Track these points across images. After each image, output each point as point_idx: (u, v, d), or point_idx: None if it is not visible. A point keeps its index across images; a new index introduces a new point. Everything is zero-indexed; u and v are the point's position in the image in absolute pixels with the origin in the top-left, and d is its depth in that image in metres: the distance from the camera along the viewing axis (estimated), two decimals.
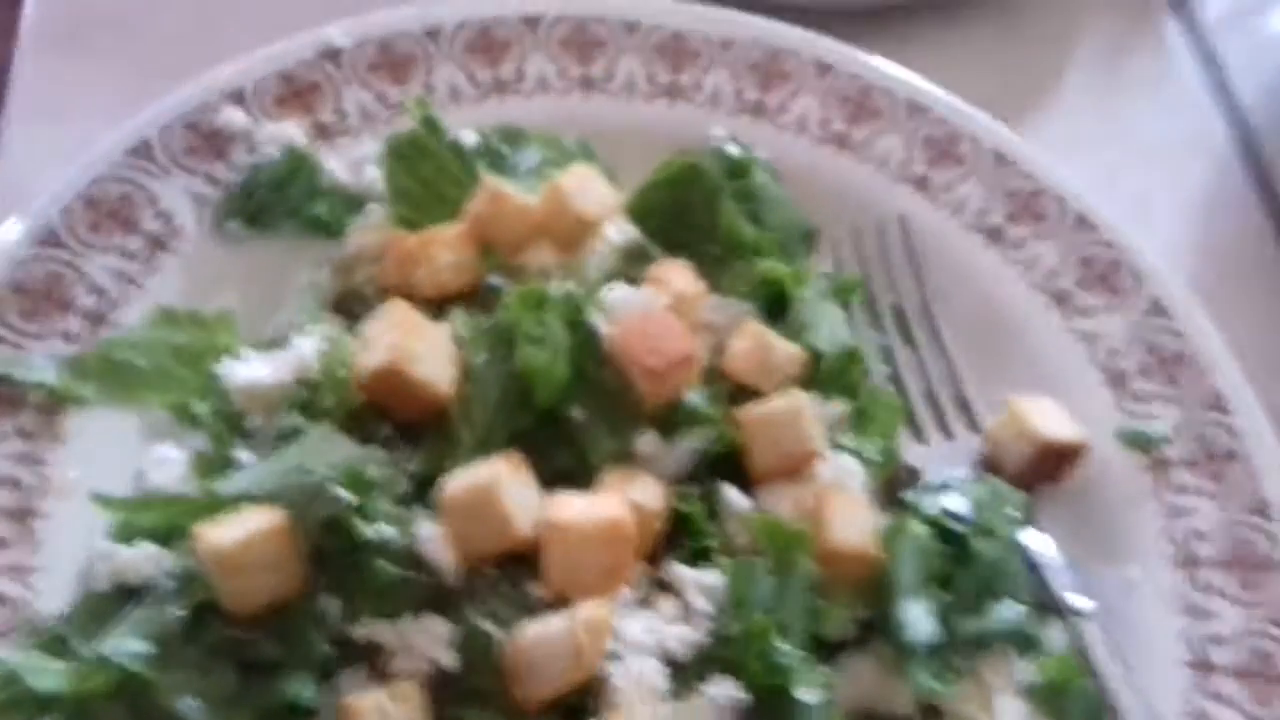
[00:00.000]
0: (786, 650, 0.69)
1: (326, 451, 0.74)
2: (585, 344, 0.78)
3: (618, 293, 0.81)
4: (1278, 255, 1.09)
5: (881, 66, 1.04)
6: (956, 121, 1.01)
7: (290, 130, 0.93)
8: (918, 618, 0.73)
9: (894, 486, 0.85)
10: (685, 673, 0.70)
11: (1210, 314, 0.95)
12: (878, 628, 0.76)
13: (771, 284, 0.86)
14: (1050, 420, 0.86)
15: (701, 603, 0.72)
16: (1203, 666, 0.79)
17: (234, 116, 0.92)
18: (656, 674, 0.69)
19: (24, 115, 1.03)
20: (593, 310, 0.79)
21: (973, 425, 0.90)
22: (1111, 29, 1.24)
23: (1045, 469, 0.86)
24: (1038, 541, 0.82)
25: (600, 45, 1.02)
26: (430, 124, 0.89)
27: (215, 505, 0.72)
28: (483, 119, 0.96)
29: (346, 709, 0.67)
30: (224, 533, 0.69)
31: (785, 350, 0.81)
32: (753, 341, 0.81)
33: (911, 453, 0.88)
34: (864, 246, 0.97)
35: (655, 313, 0.79)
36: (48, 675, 0.70)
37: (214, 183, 0.90)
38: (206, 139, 0.91)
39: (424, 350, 0.76)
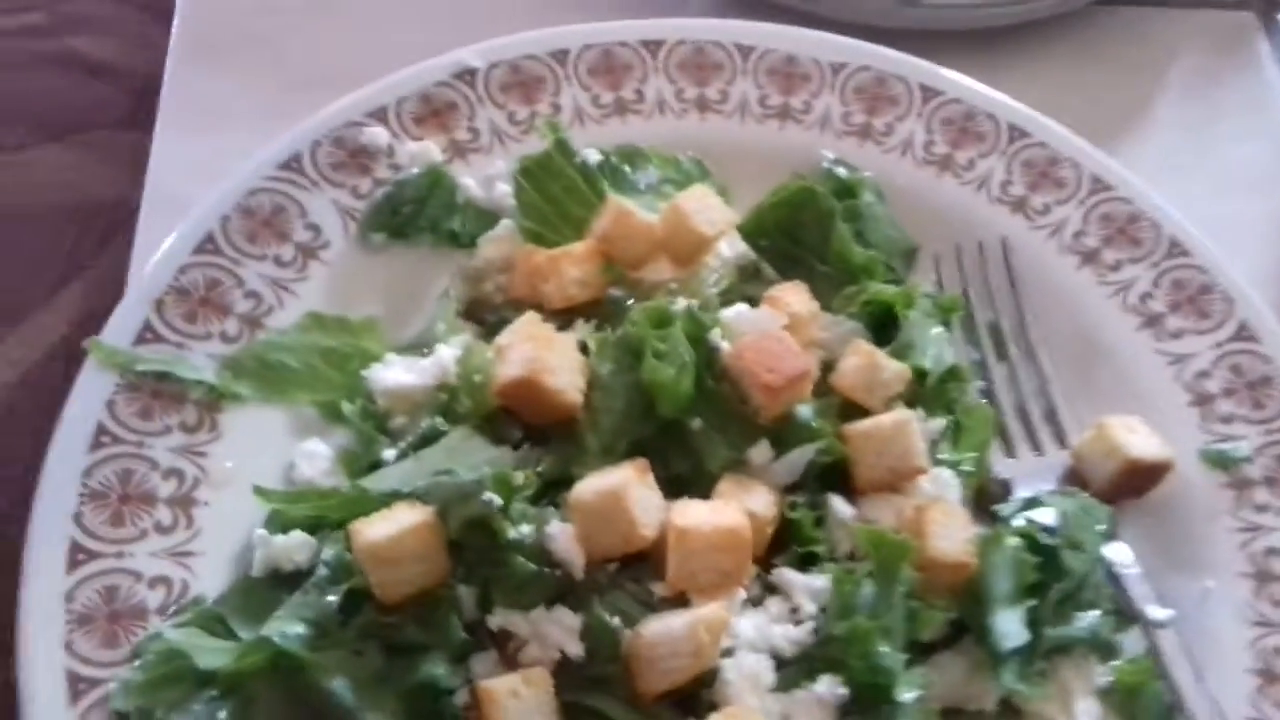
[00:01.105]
0: (887, 652, 0.74)
1: (467, 453, 0.81)
2: (706, 359, 0.84)
3: (737, 311, 0.87)
4: None
5: (984, 91, 1.08)
6: (1056, 146, 1.05)
7: (430, 148, 0.99)
8: (1009, 624, 0.78)
9: (984, 498, 0.90)
10: (792, 670, 0.76)
11: None
12: (968, 630, 0.81)
13: (880, 305, 0.91)
14: (1137, 439, 0.90)
15: (808, 605, 0.78)
16: (1269, 675, 0.83)
17: (377, 134, 0.99)
18: (766, 670, 0.75)
19: (173, 127, 1.09)
20: (713, 328, 0.85)
21: (1061, 441, 0.94)
22: (1204, 53, 1.27)
23: (1130, 485, 0.90)
24: (1120, 553, 0.87)
25: (716, 68, 1.07)
26: (561, 145, 0.96)
27: (366, 501, 0.79)
28: (605, 139, 1.02)
29: (485, 692, 0.73)
30: (378, 528, 0.75)
31: (893, 369, 0.86)
32: (862, 360, 0.86)
33: (1002, 465, 0.93)
34: (964, 265, 1.02)
35: (773, 332, 0.84)
36: (209, 653, 0.77)
37: (359, 196, 0.97)
38: (352, 155, 0.98)
39: (556, 362, 0.82)
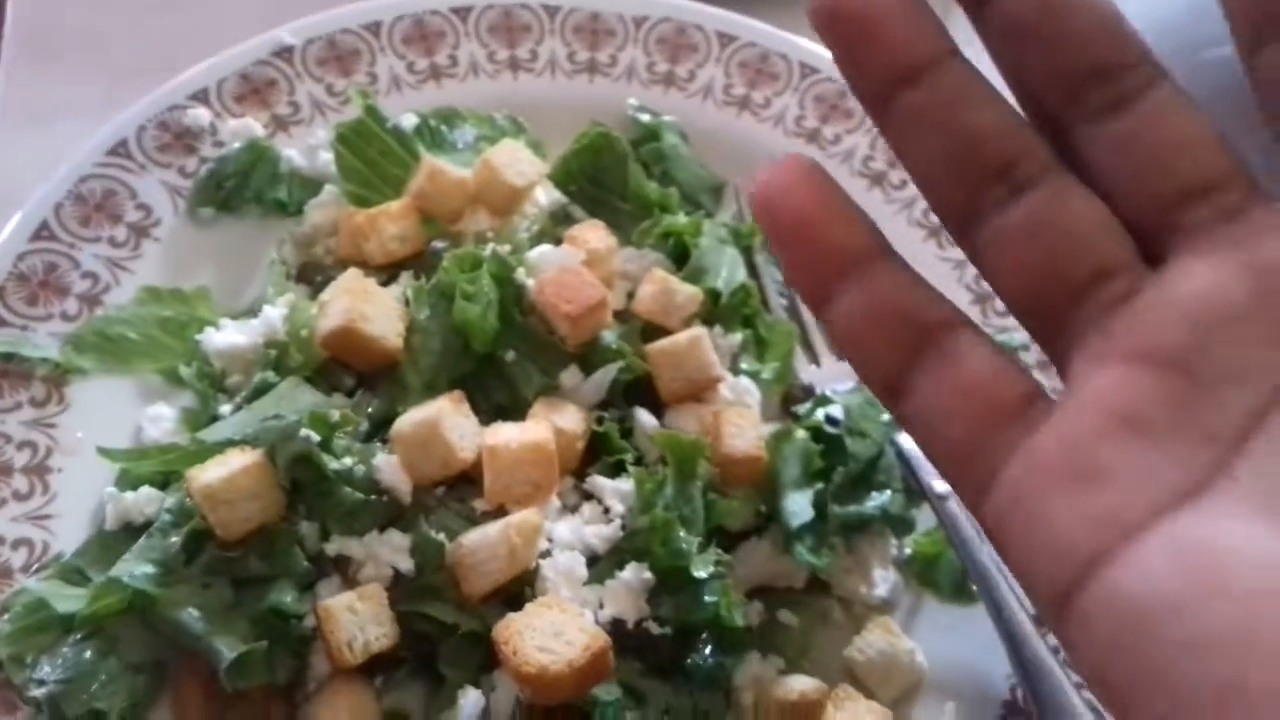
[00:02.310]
0: (685, 538, 0.82)
1: (295, 400, 0.87)
2: (513, 296, 0.91)
3: (540, 252, 0.94)
4: None
5: (776, 33, 1.16)
6: (842, 80, 1.13)
7: (250, 124, 1.05)
8: (797, 505, 0.87)
9: (791, 403, 0.99)
10: (604, 563, 0.84)
11: None
12: (773, 519, 0.90)
13: (675, 235, 0.99)
14: None
15: (617, 505, 0.86)
16: None
17: (200, 115, 1.04)
18: (579, 565, 0.83)
19: (9, 122, 1.13)
20: (519, 268, 0.93)
21: None
22: None
23: None
24: (908, 439, 0.95)
25: (525, 29, 1.14)
26: (373, 111, 1.02)
27: (203, 451, 0.85)
28: (423, 103, 1.08)
29: (324, 610, 0.80)
30: (212, 471, 0.81)
31: (685, 292, 0.94)
32: (657, 286, 0.94)
33: (807, 373, 1.01)
34: None
35: (571, 267, 0.92)
36: (68, 599, 0.82)
37: (186, 175, 1.03)
38: (177, 136, 1.04)
39: (374, 311, 0.89)
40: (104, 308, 0.96)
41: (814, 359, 1.02)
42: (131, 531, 0.86)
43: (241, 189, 1.02)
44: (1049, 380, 0.50)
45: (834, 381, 1.00)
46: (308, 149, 1.06)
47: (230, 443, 0.84)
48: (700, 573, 0.81)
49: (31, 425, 0.91)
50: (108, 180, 1.01)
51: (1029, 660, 0.85)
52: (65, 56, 1.18)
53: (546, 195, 1.04)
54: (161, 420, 0.93)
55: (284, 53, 1.09)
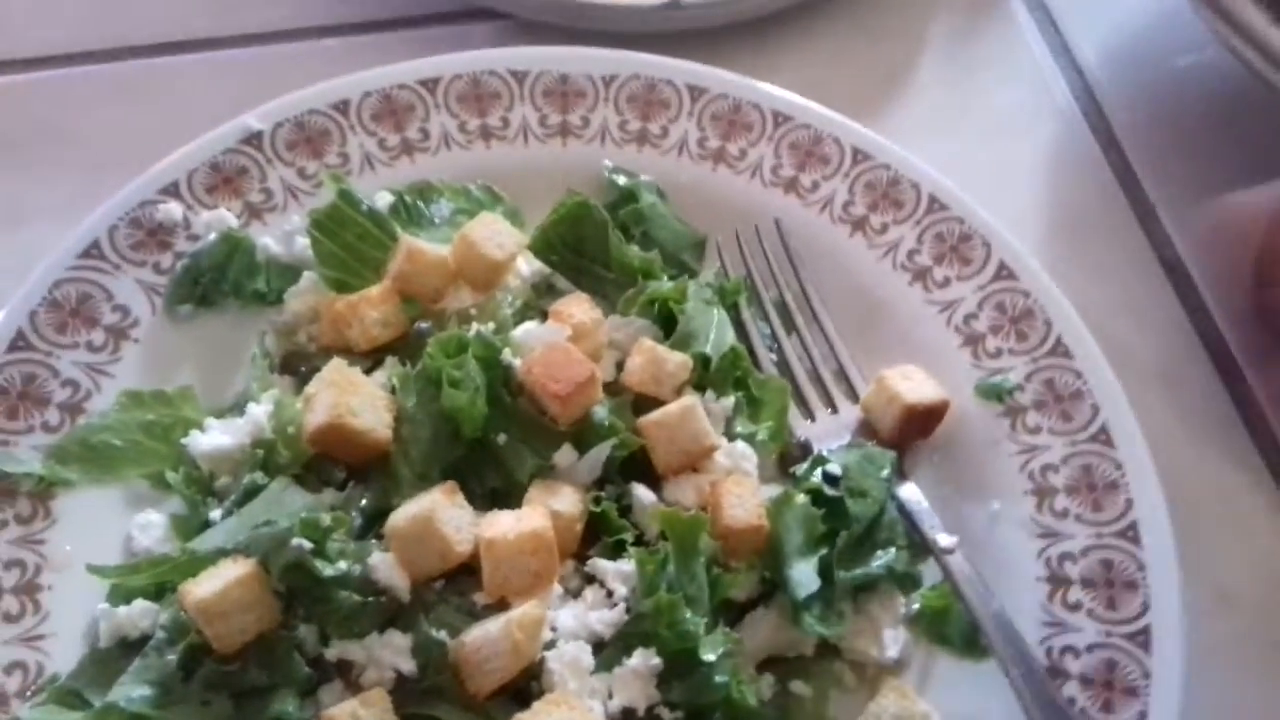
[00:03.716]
0: (691, 619, 0.81)
1: (285, 503, 0.86)
2: (501, 378, 0.90)
3: (525, 330, 0.93)
4: (1121, 200, 1.21)
5: (747, 83, 1.15)
6: (818, 125, 1.12)
7: (224, 214, 1.04)
8: (802, 574, 0.86)
9: (789, 462, 0.98)
10: (610, 650, 0.83)
11: (1065, 263, 1.08)
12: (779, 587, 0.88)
13: (661, 302, 0.98)
14: (912, 385, 0.97)
15: (620, 588, 0.84)
16: (1057, 581, 0.91)
17: (171, 209, 1.03)
18: (585, 654, 0.82)
19: None
20: (505, 348, 0.91)
21: (854, 397, 1.02)
22: (961, 14, 1.35)
23: (914, 428, 0.98)
24: (910, 492, 0.95)
25: (495, 97, 1.13)
26: (346, 196, 1.00)
27: (195, 562, 0.83)
28: (396, 179, 1.08)
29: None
30: (205, 585, 0.80)
31: (675, 360, 0.93)
32: (646, 356, 0.93)
33: (802, 429, 1.00)
34: (744, 249, 1.09)
35: (558, 344, 0.90)
36: None
37: (161, 271, 1.02)
38: (150, 233, 1.03)
39: (360, 404, 0.88)
40: (86, 415, 0.95)
41: (808, 413, 1.01)
42: (127, 647, 0.85)
43: (219, 282, 1.01)
44: None
45: (830, 438, 0.99)
46: (283, 235, 1.04)
47: (222, 552, 0.83)
48: (709, 655, 0.80)
49: (19, 543, 0.90)
50: (82, 283, 1.00)
51: (1044, 711, 0.83)
52: (31, 156, 1.17)
53: (528, 265, 1.03)
54: (151, 528, 0.91)
55: (253, 139, 1.08)
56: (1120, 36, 1.35)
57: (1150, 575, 0.91)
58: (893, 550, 0.91)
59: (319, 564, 0.81)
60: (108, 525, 0.92)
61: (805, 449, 0.98)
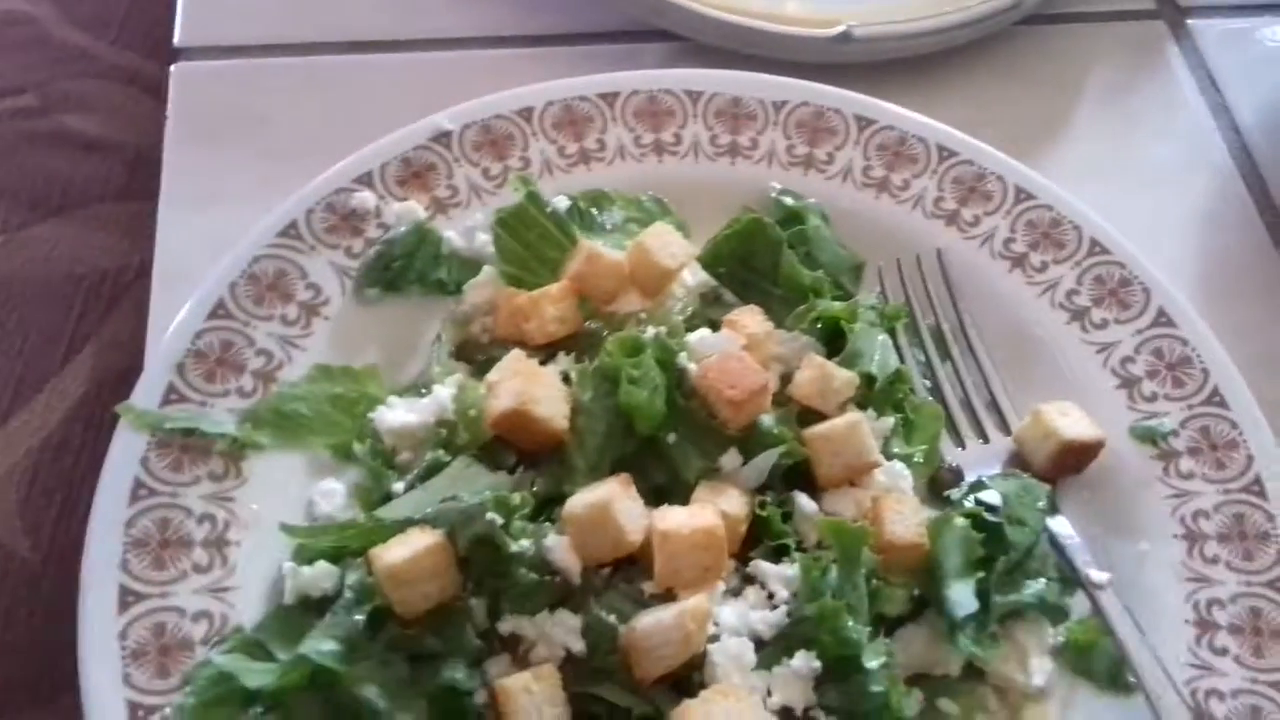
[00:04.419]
0: (854, 626, 0.84)
1: (469, 480, 0.90)
2: (676, 381, 0.94)
3: (700, 336, 0.97)
4: (1275, 260, 1.22)
5: (914, 117, 1.18)
6: (982, 162, 1.15)
7: (414, 206, 1.09)
8: (961, 594, 0.88)
9: (939, 486, 1.00)
10: (771, 649, 0.86)
11: (1214, 317, 1.09)
12: (929, 604, 0.91)
13: (828, 320, 1.01)
14: (1069, 421, 0.99)
15: (782, 591, 0.87)
16: (1205, 625, 0.93)
17: (365, 198, 1.09)
18: (747, 651, 0.85)
19: (174, 203, 1.18)
20: (681, 352, 0.95)
21: (1005, 428, 1.04)
22: (1119, 62, 1.37)
23: (1068, 463, 1.00)
24: (1062, 526, 0.97)
25: (669, 114, 1.17)
26: (534, 198, 1.05)
27: (382, 530, 0.88)
28: (572, 186, 1.12)
29: (502, 689, 0.82)
30: (395, 552, 0.84)
31: (842, 377, 0.95)
32: (815, 371, 0.96)
33: (952, 455, 1.02)
34: (905, 276, 1.12)
35: (733, 352, 0.94)
36: (254, 673, 0.85)
37: (352, 255, 1.07)
38: (344, 218, 1.08)
39: (542, 393, 0.92)
40: (278, 384, 1.00)
41: (959, 441, 1.04)
42: (308, 606, 0.90)
43: (406, 270, 1.06)
44: None
45: (982, 465, 1.01)
46: (466, 230, 1.09)
47: (410, 521, 0.87)
48: (871, 663, 0.83)
49: (211, 499, 0.95)
50: (279, 260, 1.05)
51: None
52: (225, 139, 1.23)
53: (693, 275, 1.07)
54: (333, 495, 0.96)
55: (442, 138, 1.13)
56: (1278, 95, 1.36)
57: None
58: (1043, 581, 0.93)
59: (505, 539, 0.85)
60: (292, 490, 0.96)
61: (956, 474, 1.01)
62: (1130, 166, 1.29)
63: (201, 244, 1.11)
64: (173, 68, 1.28)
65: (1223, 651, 0.92)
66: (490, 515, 0.84)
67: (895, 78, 1.29)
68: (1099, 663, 0.93)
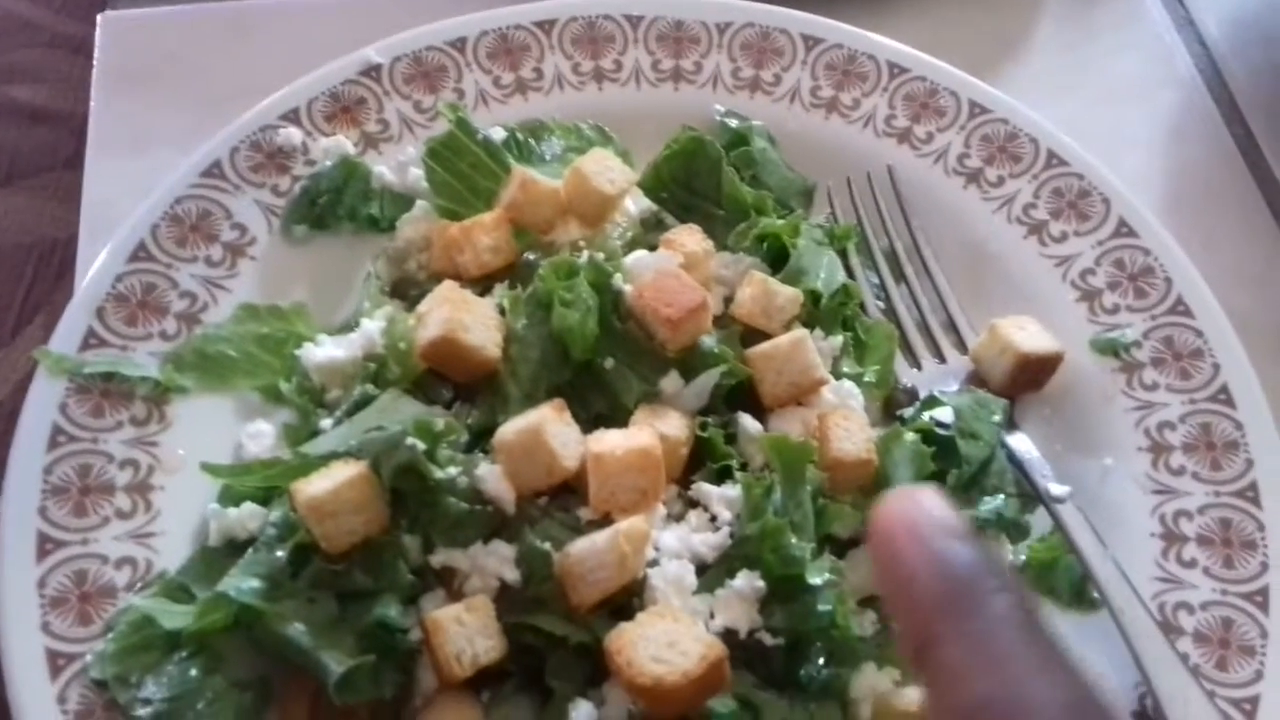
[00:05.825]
0: (797, 544, 0.80)
1: (397, 411, 0.86)
2: (611, 303, 0.90)
3: (636, 257, 0.93)
4: (1244, 172, 1.18)
5: (862, 34, 1.14)
6: (934, 78, 1.12)
7: (342, 141, 1.05)
8: None
9: (894, 407, 0.97)
10: (713, 572, 0.82)
11: (1182, 231, 1.06)
12: None
13: (771, 238, 0.97)
14: (1026, 335, 0.96)
15: (725, 513, 0.84)
16: (1172, 538, 0.90)
17: (291, 134, 1.05)
18: (689, 574, 0.81)
19: (102, 150, 1.15)
20: (616, 273, 0.91)
21: (962, 347, 1.00)
22: None
23: (1026, 379, 0.96)
24: (1020, 442, 0.93)
25: (609, 40, 1.13)
26: (463, 125, 1.01)
27: (307, 465, 0.84)
28: (509, 117, 1.08)
29: (432, 622, 0.79)
30: (316, 485, 0.81)
31: (785, 294, 0.92)
32: (757, 289, 0.92)
33: (908, 376, 0.99)
34: (855, 196, 1.08)
35: (669, 270, 0.90)
36: (174, 615, 0.82)
37: (279, 194, 1.03)
38: (269, 156, 1.04)
39: (472, 321, 0.88)
40: (203, 326, 0.96)
41: (914, 362, 1.00)
42: (235, 547, 0.86)
43: (335, 206, 1.02)
44: None
45: (938, 383, 0.97)
46: (398, 165, 1.05)
47: (334, 455, 0.83)
48: (815, 580, 0.79)
49: (133, 444, 0.91)
50: (203, 201, 1.01)
51: (1156, 664, 0.82)
52: (154, 84, 1.19)
53: (635, 204, 1.03)
54: (262, 436, 0.92)
55: (372, 71, 1.09)
56: (1244, 9, 1.32)
57: (1270, 536, 0.88)
58: (1001, 497, 0.90)
59: (430, 468, 0.81)
60: (220, 432, 0.93)
61: (912, 395, 0.97)
62: (1093, 82, 1.25)
63: (130, 194, 1.07)
64: (99, 17, 1.24)
65: (1191, 564, 0.88)
66: (411, 441, 0.80)
67: (849, 3, 1.24)
68: (1061, 580, 0.89)
